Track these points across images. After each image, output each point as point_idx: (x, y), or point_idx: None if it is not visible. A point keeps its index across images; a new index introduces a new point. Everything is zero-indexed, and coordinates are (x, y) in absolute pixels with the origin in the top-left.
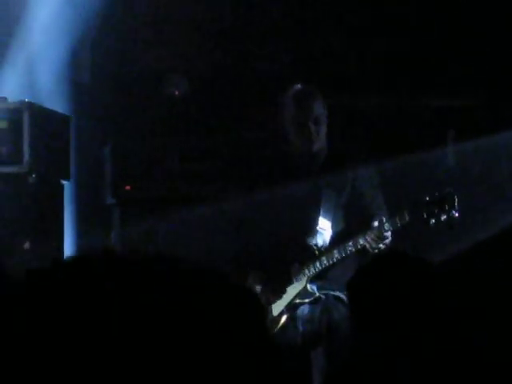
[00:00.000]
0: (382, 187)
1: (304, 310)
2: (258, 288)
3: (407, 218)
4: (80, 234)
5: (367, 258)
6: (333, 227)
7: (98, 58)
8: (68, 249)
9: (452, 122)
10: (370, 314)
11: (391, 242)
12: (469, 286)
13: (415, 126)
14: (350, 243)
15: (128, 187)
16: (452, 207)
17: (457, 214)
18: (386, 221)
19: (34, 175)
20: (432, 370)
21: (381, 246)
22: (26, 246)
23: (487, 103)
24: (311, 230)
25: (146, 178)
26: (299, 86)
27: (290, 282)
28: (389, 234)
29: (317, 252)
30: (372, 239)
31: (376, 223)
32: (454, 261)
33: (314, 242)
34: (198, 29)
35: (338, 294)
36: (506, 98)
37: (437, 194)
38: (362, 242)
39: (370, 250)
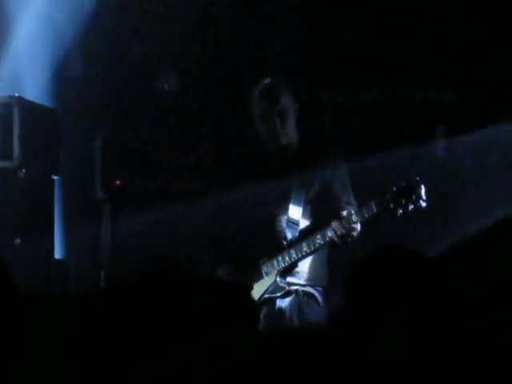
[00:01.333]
0: (372, 182)
1: (275, 305)
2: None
3: (374, 210)
4: (71, 229)
5: (336, 251)
6: (302, 221)
7: (88, 53)
8: (59, 244)
9: (442, 116)
10: (366, 307)
11: (359, 233)
12: (462, 279)
13: (405, 120)
14: (319, 236)
15: (118, 182)
16: (419, 197)
17: (424, 204)
18: (354, 213)
19: (23, 170)
20: (430, 364)
21: (348, 237)
22: (17, 241)
23: (477, 97)
24: (280, 223)
25: (136, 173)
26: (267, 79)
27: (259, 277)
28: (357, 226)
29: (286, 245)
30: (339, 232)
31: (344, 214)
32: (447, 254)
33: (283, 235)
34: (189, 24)
35: (308, 289)
36: (497, 91)
37: (404, 184)
38: (330, 234)
39: (338, 241)
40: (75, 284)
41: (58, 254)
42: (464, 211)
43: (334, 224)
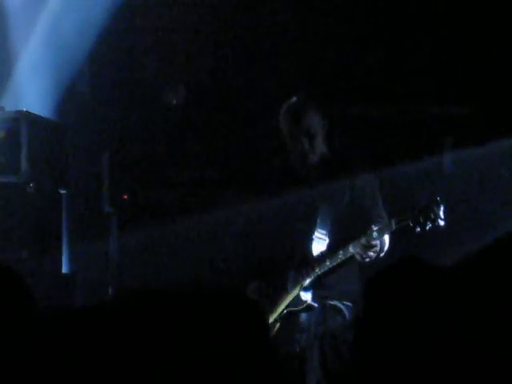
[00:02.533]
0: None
1: (299, 319)
2: (257, 298)
3: (394, 227)
4: (78, 243)
5: (368, 268)
6: (329, 237)
7: (96, 68)
8: (66, 258)
9: (450, 129)
10: (384, 316)
11: (386, 250)
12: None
13: (413, 133)
14: (341, 252)
15: (126, 196)
16: (437, 216)
17: (442, 223)
18: (374, 230)
19: (31, 185)
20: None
21: (370, 254)
22: (24, 254)
23: (485, 110)
24: (308, 239)
25: (143, 187)
26: (293, 98)
27: (285, 291)
28: (377, 242)
29: (311, 261)
30: (359, 248)
31: (367, 232)
32: (456, 267)
33: (309, 251)
34: (197, 38)
35: (335, 302)
36: (504, 105)
37: (423, 203)
38: (351, 250)
39: (360, 258)
40: (83, 298)
41: (65, 268)
42: (473, 224)
43: (355, 243)
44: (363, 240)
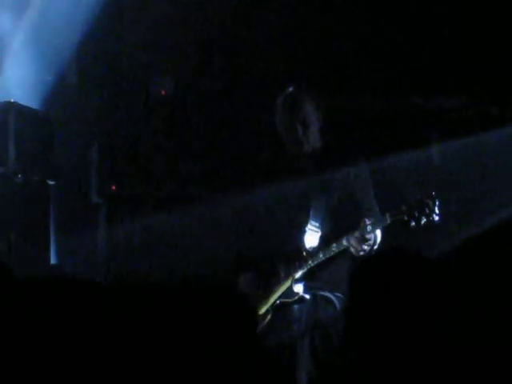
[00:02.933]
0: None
1: (291, 310)
2: (249, 289)
3: (388, 221)
4: (66, 234)
5: (357, 260)
6: (322, 229)
7: (84, 59)
8: (54, 249)
9: (437, 122)
10: (368, 307)
11: (378, 243)
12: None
13: (401, 126)
14: (334, 244)
15: (114, 187)
16: (432, 211)
17: (437, 218)
18: (368, 223)
19: (19, 175)
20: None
21: (364, 247)
22: (12, 238)
23: (472, 104)
24: (300, 231)
25: (131, 178)
26: (289, 89)
27: (277, 282)
28: (371, 235)
29: (304, 253)
30: (354, 241)
31: (359, 225)
32: (444, 258)
33: (302, 243)
34: (185, 31)
35: (326, 294)
36: (491, 98)
37: (418, 197)
38: (345, 243)
39: (354, 252)
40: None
41: (53, 260)
42: (460, 215)
43: (349, 236)
44: (357, 233)
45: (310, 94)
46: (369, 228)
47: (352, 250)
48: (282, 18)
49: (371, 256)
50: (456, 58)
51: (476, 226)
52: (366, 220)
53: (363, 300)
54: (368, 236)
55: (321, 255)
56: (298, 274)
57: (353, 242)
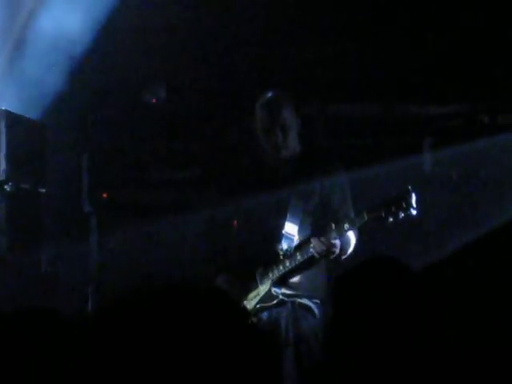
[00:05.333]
0: (359, 194)
1: (269, 314)
2: (227, 290)
3: (365, 218)
4: (58, 242)
5: (337, 266)
6: (299, 233)
7: (75, 67)
8: (46, 257)
9: (428, 129)
10: (351, 315)
11: (348, 249)
12: (449, 289)
13: (393, 133)
14: (312, 245)
15: (105, 195)
16: (409, 205)
17: (414, 212)
18: (346, 221)
19: (10, 183)
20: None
21: (325, 252)
22: (4, 254)
23: (463, 112)
24: (277, 235)
25: (123, 186)
26: (269, 93)
27: (255, 286)
28: (336, 241)
29: (281, 256)
30: (317, 245)
31: (332, 226)
32: (435, 266)
33: (279, 246)
34: (177, 37)
35: (304, 301)
36: (482, 106)
37: (395, 193)
38: (311, 247)
39: (317, 255)
40: (63, 298)
41: (45, 268)
42: (451, 224)
43: (313, 240)
44: (334, 232)
45: (289, 98)
46: (346, 226)
47: (315, 253)
48: (278, 25)
49: (350, 268)
50: (448, 65)
51: (467, 234)
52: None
53: (346, 311)
54: (333, 241)
55: (298, 257)
56: (276, 277)
57: (315, 245)
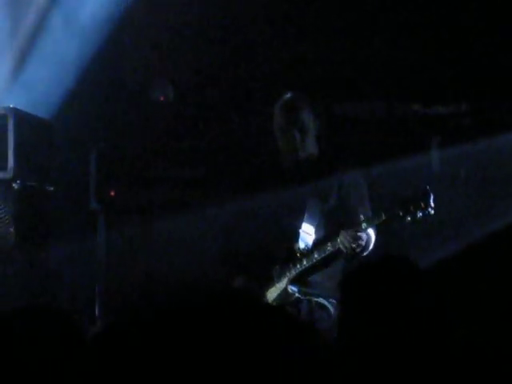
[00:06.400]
0: (369, 193)
1: None
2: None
3: (383, 217)
4: (65, 240)
5: (352, 264)
6: (316, 232)
7: (84, 65)
8: (53, 255)
9: (436, 129)
10: (360, 315)
11: (372, 244)
12: (456, 287)
13: (401, 132)
14: (329, 244)
15: (113, 193)
16: (427, 205)
17: (432, 212)
18: (363, 220)
19: (18, 181)
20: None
21: (354, 246)
22: (12, 252)
23: (472, 111)
24: (294, 234)
25: (130, 184)
26: (288, 94)
27: (271, 284)
28: (363, 234)
29: (298, 255)
30: (345, 239)
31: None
32: (442, 264)
33: (296, 245)
34: (184, 35)
35: (321, 300)
36: (491, 105)
37: (412, 192)
38: (339, 241)
39: (344, 250)
40: (69, 295)
41: (52, 265)
42: (459, 222)
43: (341, 233)
44: (350, 231)
45: (308, 100)
46: (364, 225)
47: (342, 247)
48: (283, 24)
49: (360, 266)
50: (456, 64)
51: (474, 234)
52: (361, 216)
53: (355, 309)
54: (360, 234)
55: (315, 255)
56: (293, 275)
57: (344, 239)
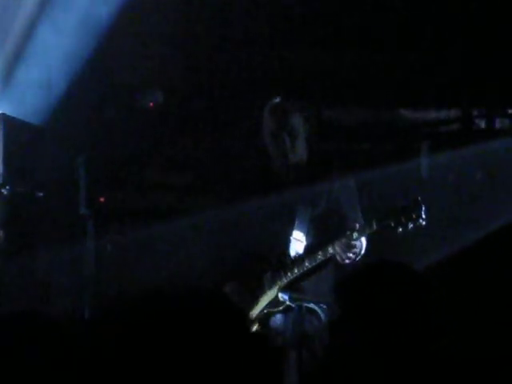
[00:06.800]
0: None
1: (276, 320)
2: (234, 299)
3: (375, 227)
4: (54, 246)
5: (342, 270)
6: (306, 239)
7: (73, 71)
8: (42, 261)
9: (425, 135)
10: (356, 316)
11: (364, 250)
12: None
13: (390, 137)
14: (320, 252)
15: (102, 199)
16: (419, 216)
17: (424, 223)
18: (355, 230)
19: (7, 187)
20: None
21: (349, 254)
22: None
23: (460, 117)
24: (285, 241)
25: (120, 190)
26: (277, 98)
27: (262, 292)
28: (357, 243)
29: (289, 262)
30: (340, 248)
31: (345, 233)
32: (431, 268)
33: (287, 252)
34: (173, 41)
35: (311, 305)
36: (479, 112)
37: (404, 203)
38: (330, 251)
39: (339, 259)
40: (58, 301)
41: (41, 271)
42: (448, 228)
43: (335, 243)
44: (343, 240)
45: (297, 103)
46: (355, 235)
47: (337, 257)
48: (272, 30)
49: (356, 270)
50: (445, 70)
51: (463, 239)
52: (355, 225)
53: (349, 314)
54: (354, 243)
55: (306, 263)
56: (284, 283)
57: (338, 248)
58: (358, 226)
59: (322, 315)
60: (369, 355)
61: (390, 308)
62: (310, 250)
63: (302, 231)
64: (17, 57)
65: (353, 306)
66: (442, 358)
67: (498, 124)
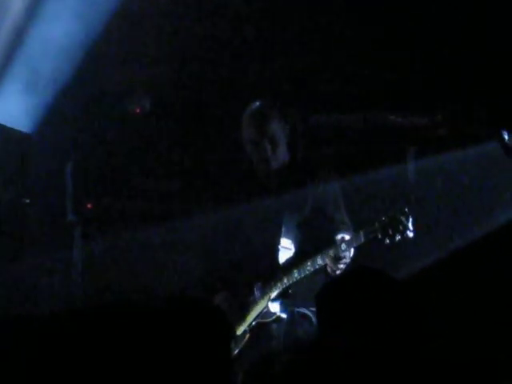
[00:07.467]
0: (344, 204)
1: (268, 329)
2: (224, 308)
3: (362, 239)
4: (42, 252)
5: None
6: (295, 245)
7: (60, 77)
8: (30, 267)
9: (412, 140)
10: (334, 323)
11: (353, 259)
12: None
13: (377, 142)
14: (309, 263)
15: (90, 205)
16: (406, 228)
17: (411, 234)
18: (343, 242)
19: None
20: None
21: (340, 266)
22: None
23: (447, 122)
24: (273, 249)
25: (107, 196)
26: (256, 103)
27: (253, 302)
28: (346, 254)
29: (278, 270)
30: (329, 260)
31: (333, 247)
32: (419, 274)
33: (275, 261)
34: (160, 48)
35: (302, 310)
36: (466, 117)
37: (391, 214)
38: (320, 262)
39: (330, 270)
40: (46, 307)
41: (28, 277)
42: (434, 233)
43: (323, 255)
44: (331, 252)
45: (277, 106)
46: (343, 246)
47: (328, 269)
48: (261, 37)
49: (335, 278)
50: (432, 76)
51: (450, 244)
52: (343, 236)
53: (330, 321)
54: (343, 254)
55: (296, 274)
56: (274, 294)
57: (328, 261)
58: (346, 237)
59: (314, 319)
60: (347, 361)
61: (367, 315)
62: (298, 259)
63: (289, 238)
64: (4, 64)
65: (331, 313)
66: (423, 364)
67: (483, 129)
